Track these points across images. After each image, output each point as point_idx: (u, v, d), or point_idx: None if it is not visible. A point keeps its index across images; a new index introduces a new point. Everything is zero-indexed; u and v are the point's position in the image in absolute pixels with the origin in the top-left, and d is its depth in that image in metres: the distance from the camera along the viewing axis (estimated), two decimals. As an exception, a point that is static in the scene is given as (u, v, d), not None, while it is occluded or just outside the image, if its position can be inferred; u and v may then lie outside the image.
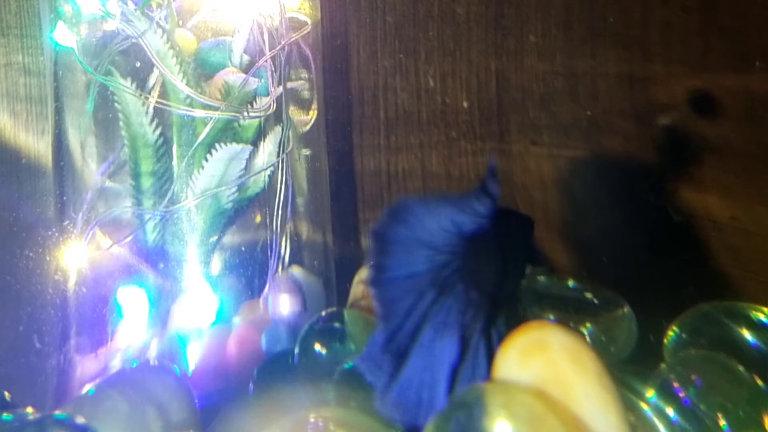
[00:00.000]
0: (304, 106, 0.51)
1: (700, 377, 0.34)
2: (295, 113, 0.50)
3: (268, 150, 0.47)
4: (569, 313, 0.41)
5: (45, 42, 0.47)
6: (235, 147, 0.45)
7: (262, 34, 0.46)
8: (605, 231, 0.58)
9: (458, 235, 0.30)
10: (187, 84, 0.43)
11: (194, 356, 0.43)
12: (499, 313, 0.32)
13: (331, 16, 0.58)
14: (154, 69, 0.44)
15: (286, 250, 0.48)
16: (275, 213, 0.47)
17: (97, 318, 0.44)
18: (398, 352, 0.30)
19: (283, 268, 0.48)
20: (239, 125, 0.45)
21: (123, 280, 0.44)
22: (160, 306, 0.44)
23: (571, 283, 0.44)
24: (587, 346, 0.31)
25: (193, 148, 0.44)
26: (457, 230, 0.29)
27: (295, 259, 0.49)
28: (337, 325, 0.41)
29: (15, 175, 0.53)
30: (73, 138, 0.45)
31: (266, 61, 0.46)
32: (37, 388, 0.47)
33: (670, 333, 0.40)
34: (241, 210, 0.47)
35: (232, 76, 0.45)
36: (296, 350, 0.40)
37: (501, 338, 0.31)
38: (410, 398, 0.30)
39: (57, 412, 0.32)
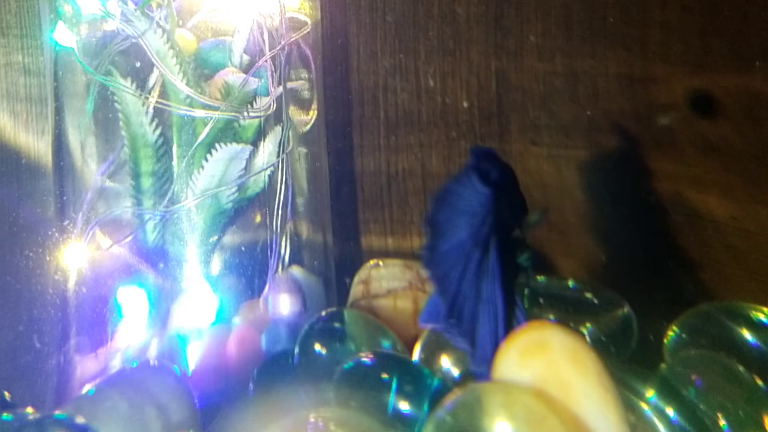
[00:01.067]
0: (304, 106, 0.51)
1: (700, 377, 0.34)
2: (295, 113, 0.50)
3: (268, 150, 0.47)
4: (569, 313, 0.41)
5: (45, 42, 0.47)
6: (235, 147, 0.45)
7: (262, 34, 0.46)
8: (605, 231, 0.58)
9: (486, 187, 0.33)
10: (187, 84, 0.43)
11: (194, 356, 0.43)
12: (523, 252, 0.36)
13: (331, 16, 0.58)
14: (154, 69, 0.44)
15: (286, 250, 0.48)
16: (275, 213, 0.47)
17: (97, 318, 0.44)
18: (462, 315, 0.33)
19: (283, 268, 0.48)
20: (239, 125, 0.45)
21: (123, 280, 0.44)
22: (160, 306, 0.44)
23: (571, 283, 0.44)
24: (587, 346, 0.31)
25: (193, 148, 0.44)
26: (485, 181, 0.33)
27: (295, 259, 0.49)
28: (337, 325, 0.41)
29: (15, 175, 0.53)
30: (73, 138, 0.45)
31: (266, 61, 0.46)
32: (37, 388, 0.47)
33: (670, 333, 0.40)
34: (241, 210, 0.47)
35: (232, 76, 0.45)
36: (296, 350, 0.40)
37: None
38: (493, 352, 0.32)
39: (57, 412, 0.33)
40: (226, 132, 0.45)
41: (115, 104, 0.44)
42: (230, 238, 0.47)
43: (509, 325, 0.34)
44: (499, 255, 0.33)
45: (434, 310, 0.34)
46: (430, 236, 0.34)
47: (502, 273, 0.33)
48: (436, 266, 0.34)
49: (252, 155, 0.46)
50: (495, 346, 0.33)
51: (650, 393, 0.34)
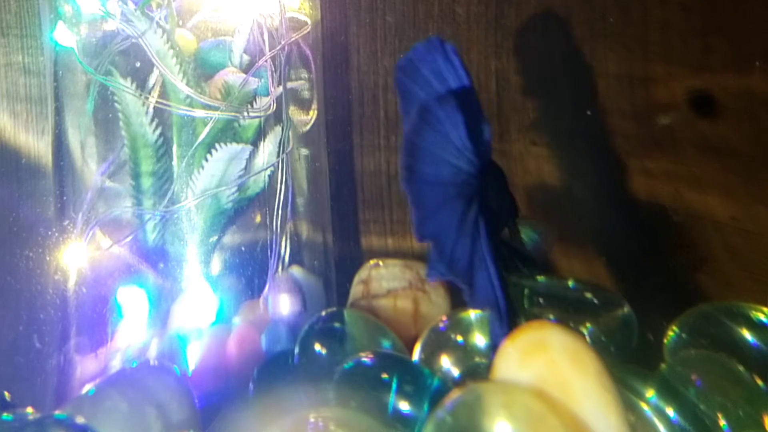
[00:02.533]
0: (304, 106, 0.51)
1: (700, 377, 0.34)
2: (295, 113, 0.50)
3: (268, 150, 0.47)
4: (569, 313, 0.41)
5: (45, 42, 0.47)
6: (235, 147, 0.45)
7: (262, 34, 0.46)
8: (605, 231, 0.58)
9: (473, 156, 0.34)
10: (187, 84, 0.43)
11: (194, 356, 0.43)
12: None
13: (331, 16, 0.58)
14: (154, 69, 0.44)
15: (286, 250, 0.48)
16: (275, 213, 0.47)
17: (97, 318, 0.44)
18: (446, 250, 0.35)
19: (283, 268, 0.48)
20: (239, 125, 0.45)
21: (123, 280, 0.44)
22: (160, 306, 0.44)
23: (571, 283, 0.44)
24: (587, 346, 0.31)
25: (193, 148, 0.44)
26: (472, 151, 0.34)
27: (295, 259, 0.49)
28: (337, 325, 0.41)
29: (15, 175, 0.53)
30: (73, 138, 0.45)
31: (266, 61, 0.46)
32: (37, 388, 0.47)
33: (670, 333, 0.40)
34: (241, 210, 0.47)
35: (232, 76, 0.45)
36: (296, 350, 0.40)
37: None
38: (491, 298, 0.35)
39: (57, 412, 0.33)
40: (226, 132, 0.45)
41: (115, 104, 0.44)
42: (230, 238, 0.47)
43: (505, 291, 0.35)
44: (489, 239, 0.35)
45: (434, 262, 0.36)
46: (408, 154, 0.34)
47: (492, 251, 0.35)
48: (416, 188, 0.34)
49: (252, 155, 0.46)
50: (496, 297, 0.35)
51: (650, 393, 0.34)
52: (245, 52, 0.46)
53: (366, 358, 0.36)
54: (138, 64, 0.44)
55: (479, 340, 0.39)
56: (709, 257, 0.54)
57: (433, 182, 0.34)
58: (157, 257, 0.45)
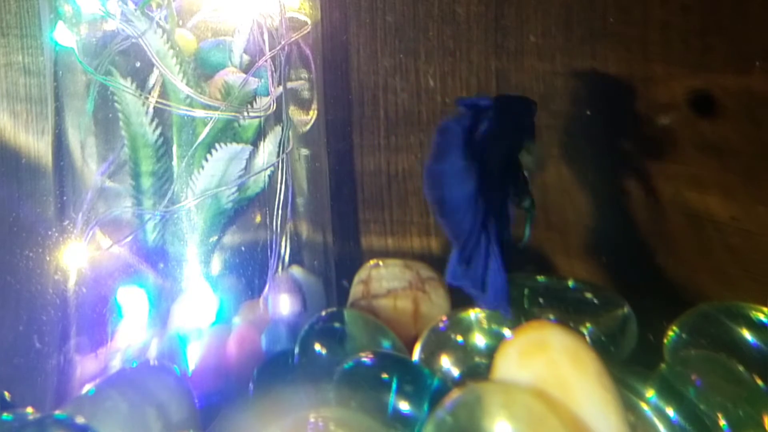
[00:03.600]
0: (304, 106, 0.51)
1: (700, 377, 0.34)
2: (295, 113, 0.50)
3: (268, 150, 0.47)
4: (569, 313, 0.41)
5: (45, 42, 0.47)
6: (235, 147, 0.45)
7: (262, 34, 0.46)
8: (605, 231, 0.58)
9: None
10: (187, 84, 0.43)
11: (194, 356, 0.43)
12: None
13: (331, 16, 0.58)
14: (154, 69, 0.44)
15: (286, 250, 0.48)
16: (275, 213, 0.47)
17: (97, 318, 0.44)
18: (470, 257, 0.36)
19: (283, 268, 0.48)
20: (239, 125, 0.45)
21: (123, 280, 0.44)
22: (160, 306, 0.44)
23: (571, 283, 0.44)
24: (587, 346, 0.31)
25: (193, 148, 0.44)
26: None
27: (295, 259, 0.49)
28: (337, 325, 0.41)
29: (15, 175, 0.53)
30: (73, 138, 0.45)
31: (266, 61, 0.46)
32: (37, 388, 0.47)
33: (670, 333, 0.40)
34: (241, 210, 0.47)
35: (232, 76, 0.45)
36: (296, 350, 0.40)
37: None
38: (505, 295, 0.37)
39: (57, 412, 0.33)
40: (226, 132, 0.45)
41: (115, 104, 0.44)
42: (230, 238, 0.47)
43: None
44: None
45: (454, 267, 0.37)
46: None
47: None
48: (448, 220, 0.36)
49: (252, 155, 0.46)
50: (507, 293, 0.36)
51: (650, 393, 0.34)
52: (245, 52, 0.46)
53: (366, 358, 0.36)
54: (138, 64, 0.44)
55: (479, 340, 0.39)
56: (709, 257, 0.54)
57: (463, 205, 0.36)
58: (157, 257, 0.45)
